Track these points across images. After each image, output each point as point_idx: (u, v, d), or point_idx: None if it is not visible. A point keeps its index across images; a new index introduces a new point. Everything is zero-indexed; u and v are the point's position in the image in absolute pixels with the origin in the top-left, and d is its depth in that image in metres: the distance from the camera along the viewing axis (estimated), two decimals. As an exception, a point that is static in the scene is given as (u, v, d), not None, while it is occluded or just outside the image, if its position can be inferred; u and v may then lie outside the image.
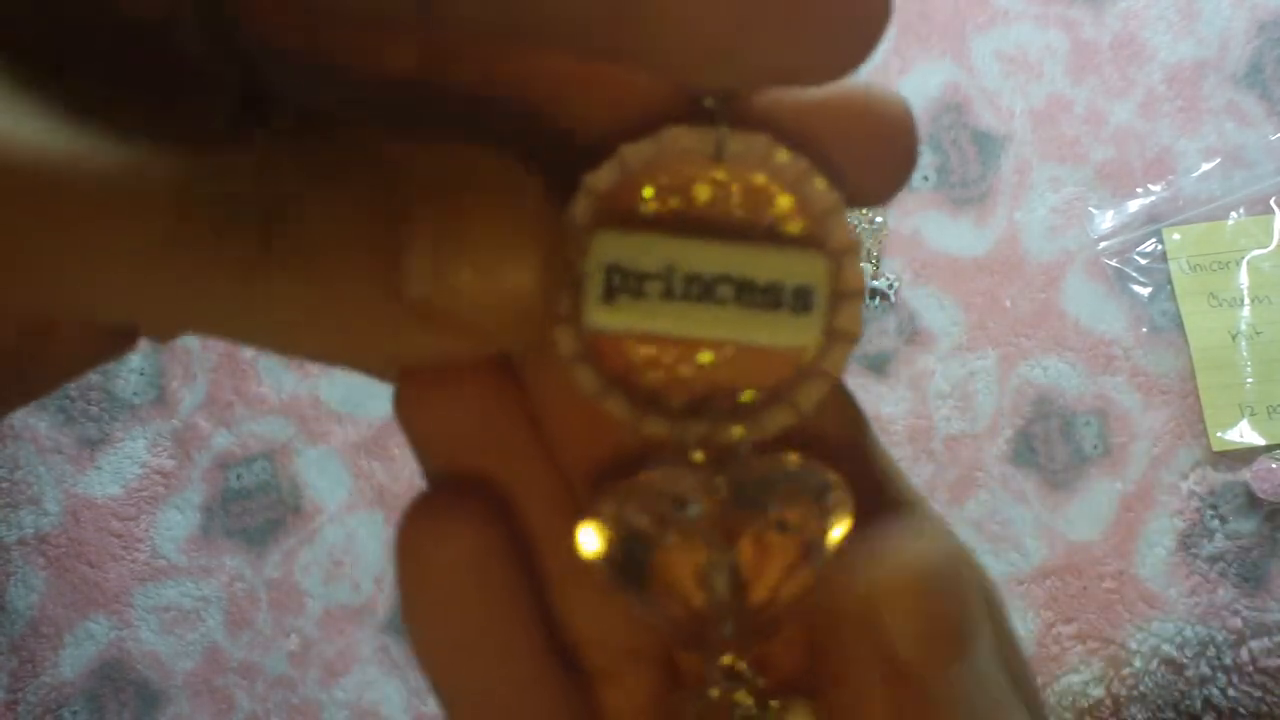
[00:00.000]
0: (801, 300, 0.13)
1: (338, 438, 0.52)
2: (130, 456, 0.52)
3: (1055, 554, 0.48)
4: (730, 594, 0.14)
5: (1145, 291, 0.49)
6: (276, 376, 0.52)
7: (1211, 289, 0.49)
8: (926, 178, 0.52)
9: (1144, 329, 0.49)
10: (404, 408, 0.15)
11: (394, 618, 0.50)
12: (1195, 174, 0.50)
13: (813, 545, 0.13)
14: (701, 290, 0.13)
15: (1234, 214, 0.50)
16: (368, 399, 0.52)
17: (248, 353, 0.53)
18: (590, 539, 0.14)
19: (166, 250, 0.11)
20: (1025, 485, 0.48)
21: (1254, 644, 0.46)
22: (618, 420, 0.13)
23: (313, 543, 0.51)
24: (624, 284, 0.13)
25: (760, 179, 0.13)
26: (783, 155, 0.13)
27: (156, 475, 0.52)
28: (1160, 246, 0.50)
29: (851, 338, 0.13)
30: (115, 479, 0.52)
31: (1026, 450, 0.49)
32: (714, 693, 0.14)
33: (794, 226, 0.13)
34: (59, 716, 0.50)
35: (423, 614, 0.15)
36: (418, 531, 0.14)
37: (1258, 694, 0.45)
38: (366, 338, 0.12)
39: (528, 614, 0.15)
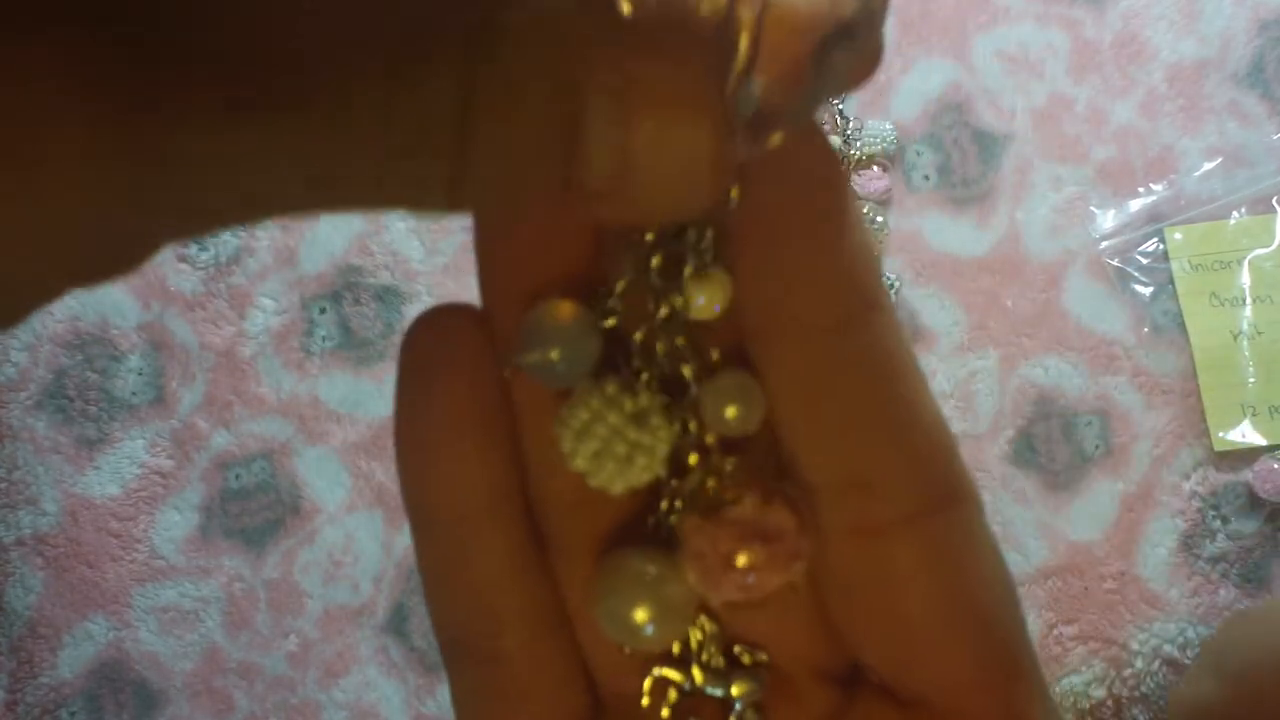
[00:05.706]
0: None
1: (337, 438, 0.51)
2: (129, 457, 0.52)
3: (1056, 554, 0.47)
4: None
5: (1147, 291, 0.49)
6: (275, 376, 0.52)
7: (1213, 289, 0.49)
8: (927, 177, 0.51)
9: (1145, 329, 0.49)
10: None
11: (393, 618, 0.50)
12: (1197, 173, 0.50)
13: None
14: None
15: (1236, 213, 0.49)
16: (368, 399, 0.52)
17: (247, 352, 0.52)
18: None
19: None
20: (1026, 485, 0.48)
21: (1256, 645, 0.46)
22: None
23: (312, 543, 0.51)
24: None
25: None
26: None
27: (155, 475, 0.52)
28: (1162, 246, 0.49)
29: None
30: (114, 479, 0.52)
31: (1028, 450, 0.49)
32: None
33: None
34: (57, 717, 0.50)
35: (411, 413, 0.16)
36: (425, 331, 0.16)
37: (1260, 695, 0.45)
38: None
39: (508, 449, 0.16)
